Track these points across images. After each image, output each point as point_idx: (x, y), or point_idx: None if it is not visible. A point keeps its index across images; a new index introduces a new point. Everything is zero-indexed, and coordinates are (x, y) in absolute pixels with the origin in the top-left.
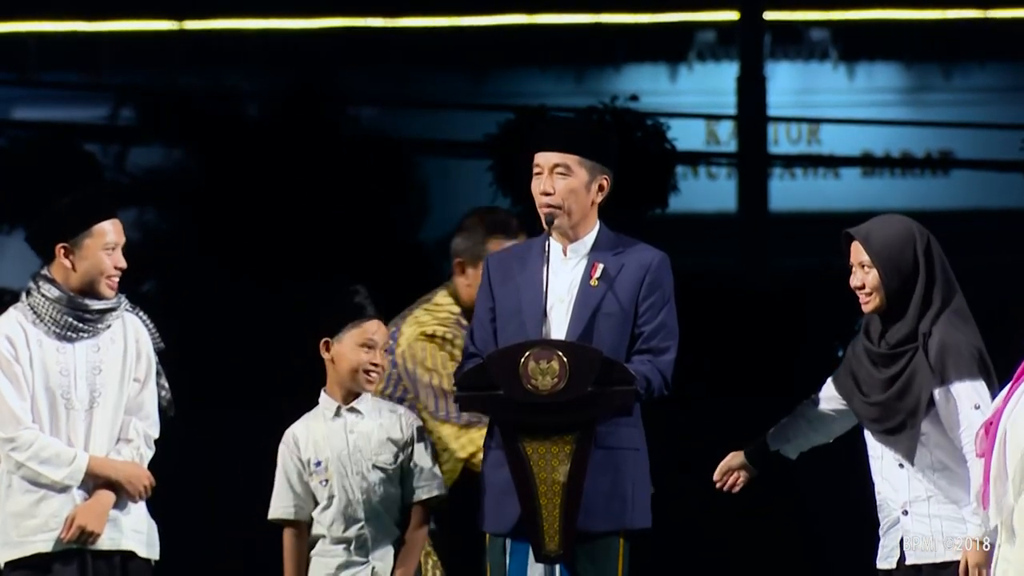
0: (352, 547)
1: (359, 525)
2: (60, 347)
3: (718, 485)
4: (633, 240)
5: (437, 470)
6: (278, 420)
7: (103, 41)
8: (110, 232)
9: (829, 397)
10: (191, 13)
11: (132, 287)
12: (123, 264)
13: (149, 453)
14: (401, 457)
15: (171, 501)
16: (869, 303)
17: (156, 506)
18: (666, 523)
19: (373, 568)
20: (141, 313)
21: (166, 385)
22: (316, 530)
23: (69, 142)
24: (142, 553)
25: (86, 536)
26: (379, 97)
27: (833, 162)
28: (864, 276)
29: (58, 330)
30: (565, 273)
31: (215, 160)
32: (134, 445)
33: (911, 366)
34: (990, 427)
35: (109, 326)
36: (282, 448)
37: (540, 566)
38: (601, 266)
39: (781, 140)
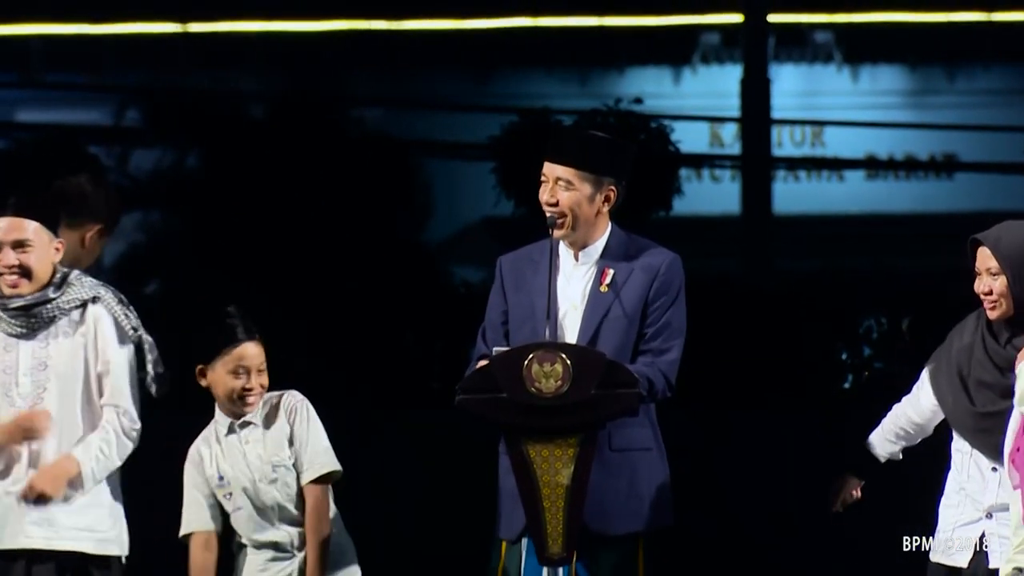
0: (273, 547)
1: (272, 527)
2: (7, 344)
3: (837, 510)
4: (646, 242)
5: (327, 446)
6: None
7: (107, 43)
8: None
9: (926, 400)
10: (195, 15)
11: (136, 288)
12: (11, 261)
13: (117, 445)
14: (294, 448)
15: (170, 502)
16: (995, 309)
17: (148, 507)
18: (677, 528)
19: (300, 559)
20: (114, 304)
21: (151, 371)
22: (237, 538)
23: (73, 144)
24: (109, 551)
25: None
26: (383, 99)
27: (837, 164)
28: (991, 282)
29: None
30: (577, 279)
31: (219, 162)
32: (100, 435)
33: None
34: (1016, 454)
35: (53, 319)
36: (188, 466)
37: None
38: (611, 272)
39: (785, 142)
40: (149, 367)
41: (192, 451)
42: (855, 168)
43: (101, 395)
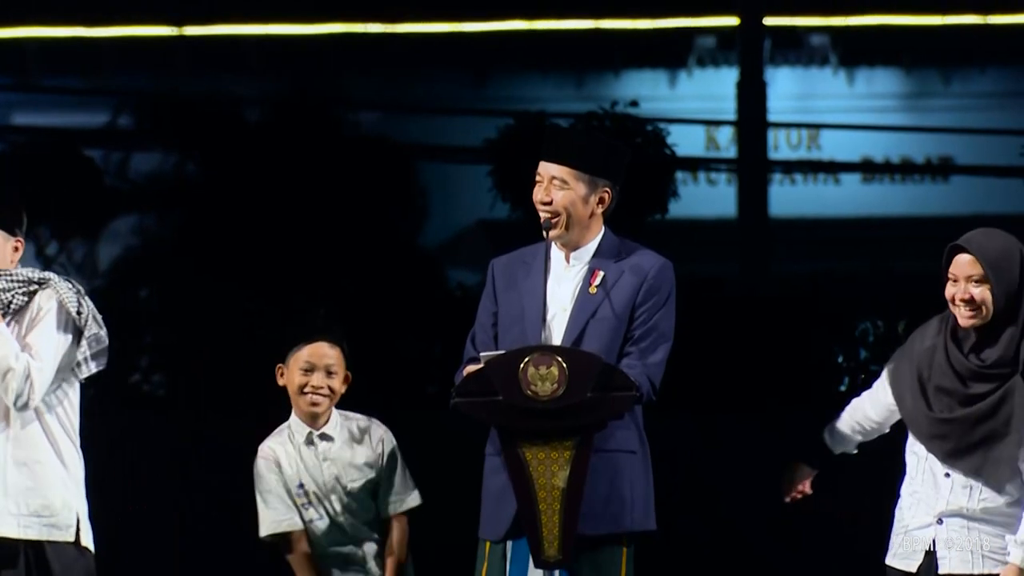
0: (338, 564)
1: (341, 544)
2: None
3: (788, 500)
4: (637, 245)
5: (409, 480)
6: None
7: (103, 46)
8: None
9: (884, 399)
10: (191, 18)
11: (131, 292)
12: None
13: (24, 375)
14: (374, 475)
15: (169, 503)
16: (974, 318)
17: (143, 503)
18: (669, 531)
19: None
20: (62, 289)
21: (85, 349)
22: (312, 547)
23: (69, 147)
24: (55, 537)
25: None
26: (379, 102)
27: (833, 168)
28: (973, 289)
29: None
30: (567, 281)
31: (215, 165)
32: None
33: (1004, 389)
34: None
35: (7, 306)
36: (262, 463)
37: (540, 571)
38: (601, 274)
39: (781, 146)
40: (84, 346)
41: (266, 450)
42: (851, 171)
43: None
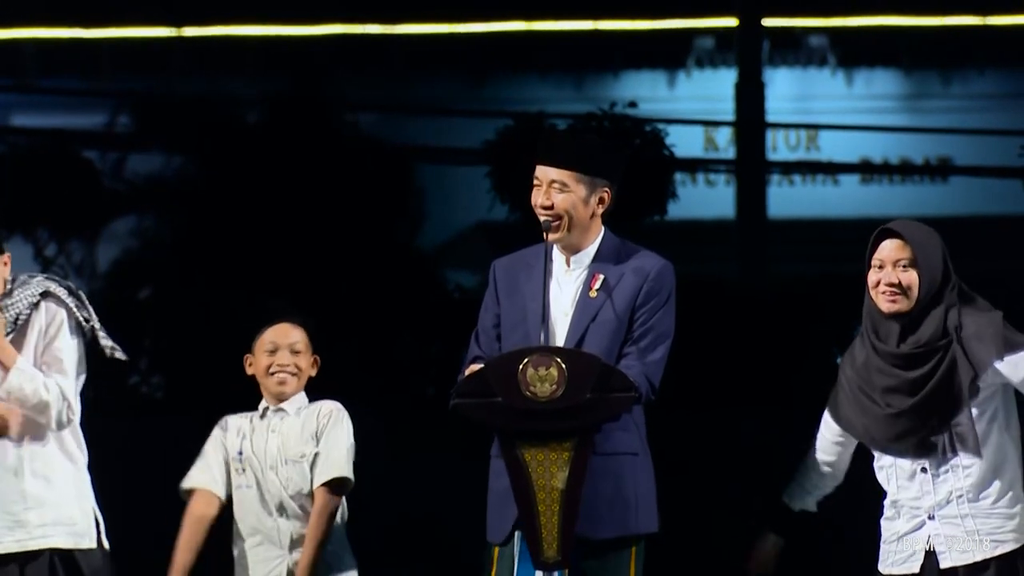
0: (266, 539)
1: (272, 517)
2: None
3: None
4: (637, 248)
5: (347, 456)
6: None
7: (101, 47)
8: None
9: (832, 437)
10: (189, 19)
11: (130, 293)
12: None
13: (51, 404)
14: (313, 448)
15: (168, 505)
16: (897, 303)
17: (144, 507)
18: (668, 532)
19: (290, 560)
20: (63, 295)
21: (108, 345)
22: (235, 522)
23: (67, 148)
24: (81, 545)
25: None
26: (377, 103)
27: (832, 168)
28: (900, 274)
29: None
30: (568, 284)
31: (213, 166)
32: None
33: (947, 361)
34: None
35: (10, 332)
36: (216, 430)
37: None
38: (602, 276)
39: (780, 146)
40: (107, 343)
41: (221, 420)
42: (850, 172)
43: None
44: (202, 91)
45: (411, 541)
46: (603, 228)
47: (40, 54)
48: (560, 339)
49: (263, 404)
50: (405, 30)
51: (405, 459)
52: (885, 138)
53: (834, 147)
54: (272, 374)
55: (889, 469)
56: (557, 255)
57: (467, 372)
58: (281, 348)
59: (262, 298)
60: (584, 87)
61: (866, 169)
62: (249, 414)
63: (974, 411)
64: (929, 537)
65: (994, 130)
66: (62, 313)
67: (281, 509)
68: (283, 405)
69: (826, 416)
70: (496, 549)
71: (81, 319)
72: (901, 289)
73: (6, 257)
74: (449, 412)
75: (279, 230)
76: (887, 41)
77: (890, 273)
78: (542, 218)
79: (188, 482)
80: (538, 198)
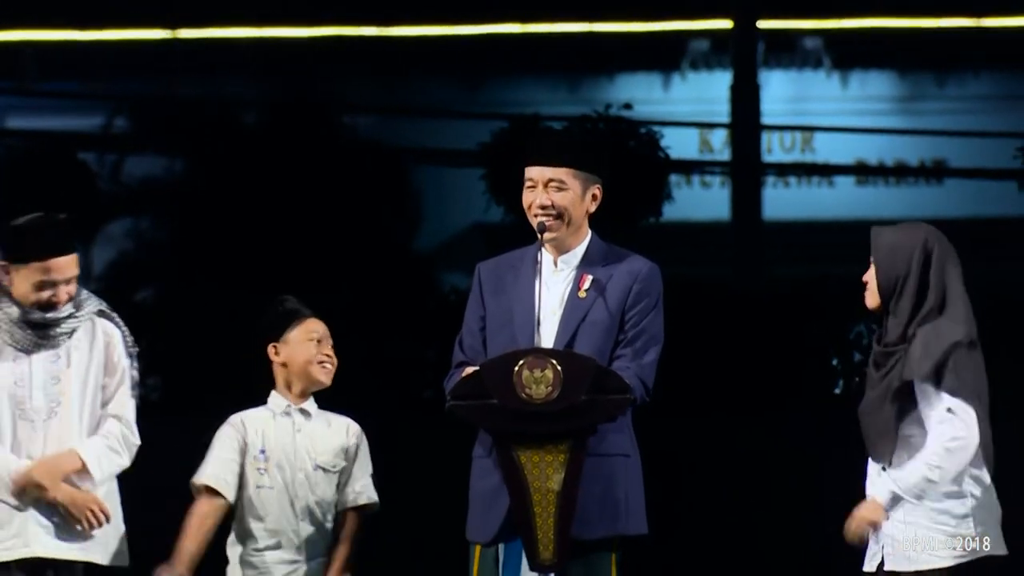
0: (284, 543)
1: (297, 520)
2: (17, 357)
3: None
4: (624, 251)
5: (372, 481)
6: None
7: (99, 50)
8: (49, 270)
9: None
10: (186, 22)
11: (127, 295)
12: (61, 298)
13: (123, 454)
14: (343, 463)
15: (167, 506)
16: (866, 299)
17: (143, 508)
18: (660, 534)
19: (306, 570)
20: (115, 316)
21: (136, 376)
22: (247, 522)
23: (65, 151)
24: (101, 561)
25: (34, 491)
26: (373, 106)
27: (827, 170)
28: (868, 272)
29: (14, 342)
30: (556, 285)
31: (210, 169)
32: (107, 441)
33: (898, 367)
34: None
35: (70, 334)
36: (227, 427)
37: (534, 575)
38: (590, 277)
39: (775, 148)
40: (135, 376)
41: (234, 418)
42: (845, 174)
43: (103, 406)
44: (199, 93)
45: (411, 541)
46: (590, 231)
47: (38, 56)
48: (549, 339)
49: (282, 401)
50: (401, 32)
51: (402, 461)
52: (880, 140)
53: (829, 149)
54: (322, 363)
55: (870, 465)
56: (545, 255)
57: (460, 376)
58: (324, 339)
59: (277, 295)
60: (579, 89)
61: (861, 171)
62: (264, 410)
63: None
64: (881, 537)
65: (989, 132)
66: (118, 341)
67: (307, 513)
68: (305, 406)
69: None
70: (477, 548)
71: (131, 344)
72: (867, 287)
73: (75, 257)
74: (445, 414)
75: (276, 232)
76: (882, 43)
77: (868, 271)
78: (538, 219)
79: (201, 478)
80: (535, 198)
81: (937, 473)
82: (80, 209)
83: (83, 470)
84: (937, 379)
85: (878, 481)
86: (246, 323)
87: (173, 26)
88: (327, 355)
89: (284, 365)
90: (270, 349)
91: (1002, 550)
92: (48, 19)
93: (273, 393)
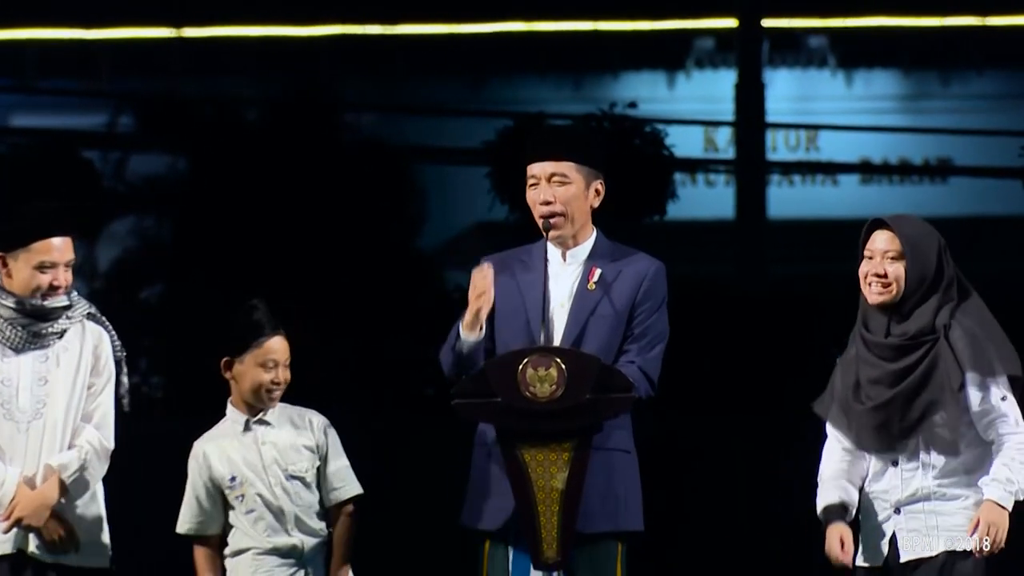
0: (283, 555)
1: (286, 534)
2: (4, 356)
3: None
4: (630, 249)
5: (349, 469)
6: None
7: (102, 48)
8: (48, 250)
9: (840, 443)
10: (190, 20)
11: (130, 294)
12: (62, 282)
13: (98, 465)
14: (316, 461)
15: (168, 505)
16: (884, 294)
17: (143, 508)
18: (659, 532)
19: (306, 573)
20: (104, 320)
21: (125, 383)
22: (244, 542)
23: (68, 149)
24: (92, 564)
25: (23, 528)
26: (377, 104)
27: (831, 169)
28: (888, 266)
29: (4, 341)
30: (565, 278)
31: (213, 167)
32: (82, 453)
33: (930, 357)
34: None
35: (61, 335)
36: (192, 463)
37: (539, 572)
38: (599, 271)
39: (779, 147)
40: (124, 383)
41: (196, 450)
42: (849, 172)
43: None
44: (202, 92)
45: (405, 542)
46: (595, 229)
47: (41, 55)
48: (559, 331)
49: (239, 415)
50: (405, 31)
51: (403, 459)
52: (885, 138)
53: (834, 147)
54: (269, 392)
55: (863, 462)
56: (553, 250)
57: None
58: (280, 364)
59: (240, 298)
60: (584, 87)
61: (866, 169)
62: (221, 431)
63: (956, 412)
64: (893, 530)
65: (993, 130)
66: (106, 345)
67: (298, 524)
68: (264, 416)
69: (829, 428)
70: (487, 546)
71: (118, 349)
72: (889, 280)
73: (71, 241)
74: (449, 413)
75: (279, 230)
76: (887, 42)
77: (878, 264)
78: (542, 216)
79: (185, 527)
80: (539, 195)
81: None
82: (83, 207)
83: (63, 493)
84: (991, 370)
85: (882, 479)
86: (205, 323)
87: (176, 25)
88: (276, 383)
89: (234, 380)
90: (223, 363)
91: None
92: (50, 17)
93: (230, 406)
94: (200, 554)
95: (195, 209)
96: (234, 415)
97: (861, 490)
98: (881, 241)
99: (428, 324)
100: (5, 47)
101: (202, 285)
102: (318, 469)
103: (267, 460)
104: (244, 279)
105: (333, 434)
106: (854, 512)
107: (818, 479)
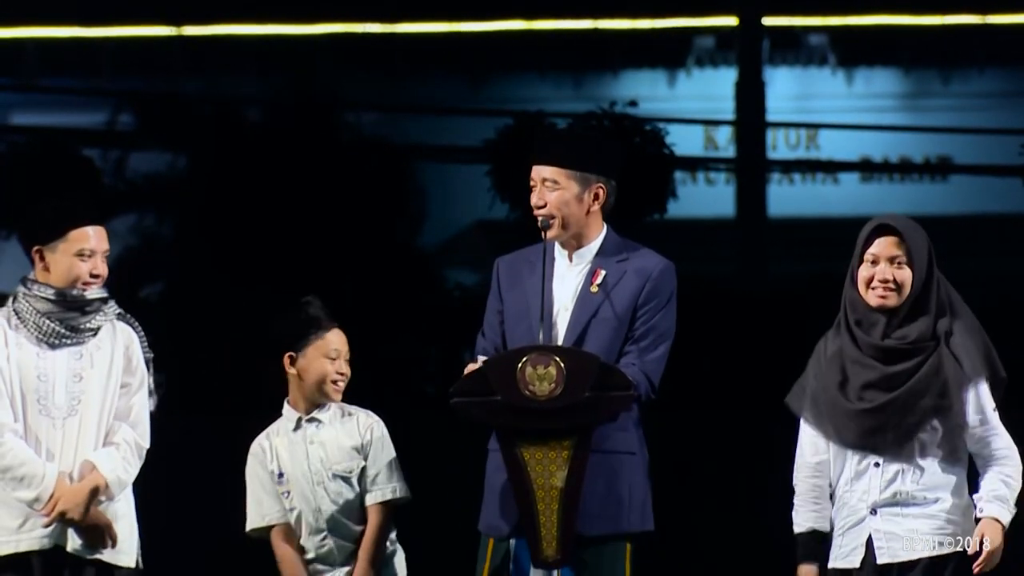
0: (316, 558)
1: (322, 536)
2: (41, 352)
3: None
4: (639, 246)
5: (397, 472)
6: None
7: (102, 46)
8: (86, 239)
9: (815, 445)
10: (190, 19)
11: (130, 292)
12: (101, 271)
13: (135, 462)
14: (361, 463)
15: (168, 503)
16: (888, 299)
17: (157, 514)
18: (665, 531)
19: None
20: (133, 320)
21: (151, 384)
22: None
23: (68, 147)
24: (122, 562)
25: (64, 521)
26: (377, 103)
27: (832, 167)
28: (894, 271)
29: (40, 336)
30: (570, 280)
31: (214, 165)
32: (120, 450)
33: (931, 362)
34: None
35: (95, 332)
36: (251, 459)
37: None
38: (603, 273)
39: (780, 145)
40: (151, 385)
41: (255, 446)
42: (850, 171)
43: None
44: (202, 90)
45: (406, 540)
46: (605, 225)
47: (41, 53)
48: (561, 334)
49: (293, 413)
50: (405, 29)
51: (406, 458)
52: (885, 137)
53: (834, 146)
54: (334, 382)
55: (838, 461)
56: (559, 251)
57: (466, 371)
58: (342, 356)
59: (296, 297)
60: (584, 86)
61: (866, 168)
62: (275, 428)
63: (958, 418)
64: (870, 532)
65: (994, 129)
66: (136, 345)
67: (334, 527)
68: (317, 414)
69: (802, 429)
70: (491, 541)
71: (147, 349)
72: (895, 286)
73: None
74: (450, 410)
75: (280, 229)
76: (887, 40)
77: (884, 269)
78: (538, 218)
79: (256, 521)
80: (533, 198)
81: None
82: (106, 199)
83: (104, 488)
84: (994, 380)
85: (860, 480)
86: (263, 322)
87: (177, 23)
88: (341, 374)
89: (298, 376)
90: (285, 359)
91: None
92: (51, 15)
93: (286, 404)
94: (280, 542)
95: (196, 208)
96: (289, 413)
97: (833, 494)
98: (886, 246)
99: (428, 322)
100: (5, 45)
101: (204, 283)
102: (362, 471)
103: (313, 459)
104: (244, 278)
105: (380, 434)
106: (828, 529)
107: (793, 483)
